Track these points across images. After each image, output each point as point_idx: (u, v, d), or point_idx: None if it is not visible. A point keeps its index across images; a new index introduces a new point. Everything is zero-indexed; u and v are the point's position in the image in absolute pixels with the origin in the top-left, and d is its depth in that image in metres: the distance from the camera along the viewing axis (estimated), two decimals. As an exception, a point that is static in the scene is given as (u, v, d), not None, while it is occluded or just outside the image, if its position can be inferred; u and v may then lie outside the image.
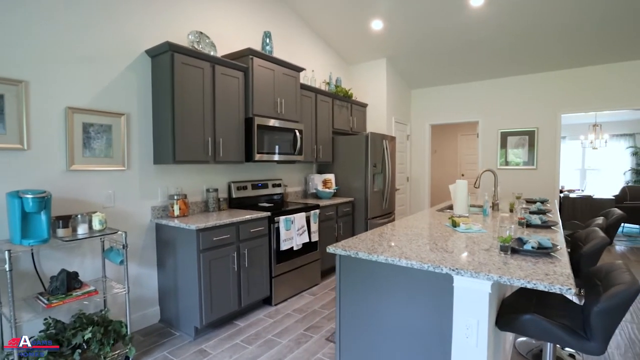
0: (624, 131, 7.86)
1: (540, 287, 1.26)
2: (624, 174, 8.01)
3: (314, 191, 4.42)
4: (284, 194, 4.10)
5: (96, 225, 2.25)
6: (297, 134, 3.69)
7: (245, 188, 3.56)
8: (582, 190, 7.47)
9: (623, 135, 7.87)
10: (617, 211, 3.14)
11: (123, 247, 2.23)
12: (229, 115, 3.08)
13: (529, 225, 2.34)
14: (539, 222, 2.33)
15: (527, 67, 4.90)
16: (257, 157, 3.25)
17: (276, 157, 3.47)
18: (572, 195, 6.28)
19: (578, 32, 4.02)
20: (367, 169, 4.39)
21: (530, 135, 5.05)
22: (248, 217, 2.89)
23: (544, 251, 1.63)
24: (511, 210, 3.01)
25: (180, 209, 2.84)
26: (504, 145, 5.25)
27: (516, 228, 2.29)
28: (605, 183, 8.15)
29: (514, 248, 1.68)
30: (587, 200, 6.00)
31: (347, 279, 1.83)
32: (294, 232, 3.31)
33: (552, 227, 2.32)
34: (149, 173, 2.84)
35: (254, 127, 3.21)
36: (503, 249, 1.67)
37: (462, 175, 8.03)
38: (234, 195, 3.43)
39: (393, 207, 5.06)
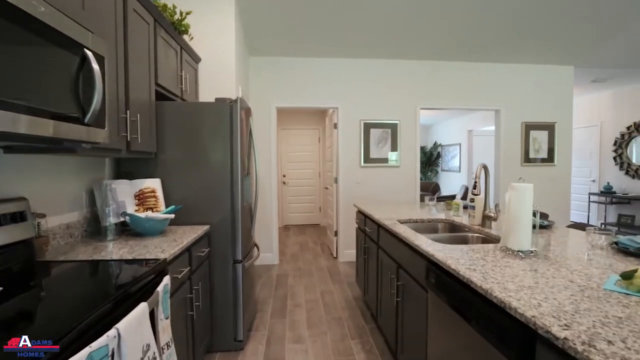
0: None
1: None
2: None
3: (122, 219, 1.91)
4: (38, 240, 1.43)
5: None
6: (93, 61, 1.23)
7: None
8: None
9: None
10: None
11: None
12: None
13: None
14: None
15: (395, 51, 4.18)
16: None
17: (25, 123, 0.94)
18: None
19: (445, 24, 3.58)
20: (235, 168, 2.33)
21: (393, 128, 4.43)
22: None
23: None
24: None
25: None
26: (367, 138, 4.40)
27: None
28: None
29: None
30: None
31: None
32: (119, 387, 0.94)
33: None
34: None
35: None
36: None
37: (284, 176, 6.89)
38: None
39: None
